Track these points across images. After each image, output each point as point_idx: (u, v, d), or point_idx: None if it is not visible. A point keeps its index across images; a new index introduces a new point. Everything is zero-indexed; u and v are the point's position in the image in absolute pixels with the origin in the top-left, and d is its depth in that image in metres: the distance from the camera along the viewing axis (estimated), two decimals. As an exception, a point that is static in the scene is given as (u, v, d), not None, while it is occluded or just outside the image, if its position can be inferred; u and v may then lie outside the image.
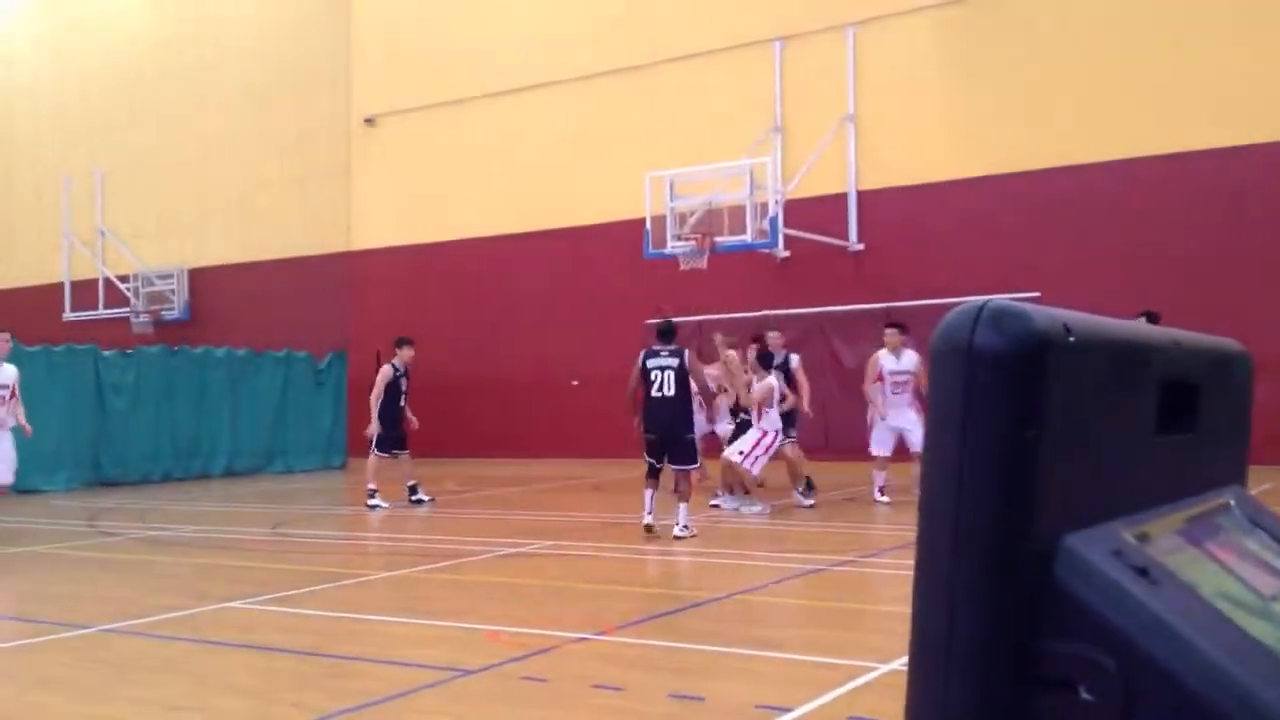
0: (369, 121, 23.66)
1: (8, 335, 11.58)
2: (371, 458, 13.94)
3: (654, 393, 10.31)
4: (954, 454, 0.84)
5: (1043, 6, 17.15)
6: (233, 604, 7.76)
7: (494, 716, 5.07)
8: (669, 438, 10.31)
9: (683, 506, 10.23)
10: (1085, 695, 0.81)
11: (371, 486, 13.80)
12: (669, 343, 10.50)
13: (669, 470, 10.47)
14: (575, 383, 18.30)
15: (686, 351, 10.49)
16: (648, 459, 10.49)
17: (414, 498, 13.92)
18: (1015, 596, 0.83)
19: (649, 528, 10.17)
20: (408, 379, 14.11)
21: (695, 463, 10.51)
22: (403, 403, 13.98)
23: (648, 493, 10.34)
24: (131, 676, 6.00)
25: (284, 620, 7.31)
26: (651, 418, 10.37)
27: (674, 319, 11.47)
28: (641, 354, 10.55)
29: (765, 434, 11.96)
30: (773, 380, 12.04)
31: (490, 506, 14.28)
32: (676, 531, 10.13)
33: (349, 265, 23.76)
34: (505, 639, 6.46)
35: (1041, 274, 16.06)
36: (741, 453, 11.94)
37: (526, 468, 18.75)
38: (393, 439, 13.87)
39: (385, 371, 13.89)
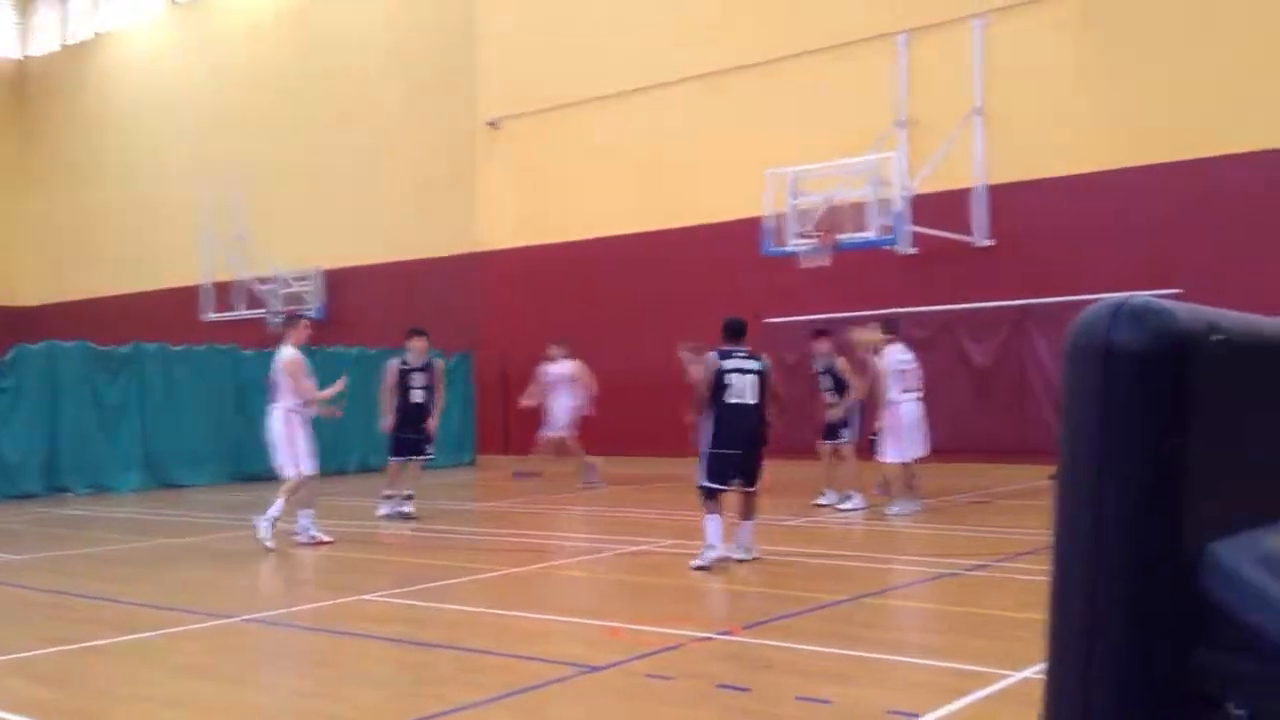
0: (492, 124, 24.05)
1: (307, 321, 11.70)
2: (390, 463, 13.22)
3: (733, 400, 8.82)
4: (1092, 459, 0.81)
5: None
6: (366, 597, 7.98)
7: (621, 713, 5.11)
8: (752, 454, 8.93)
9: (750, 525, 9.02)
10: (1235, 711, 0.78)
11: (387, 492, 13.09)
12: (741, 342, 9.10)
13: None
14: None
15: (766, 358, 9.22)
16: (717, 484, 8.86)
17: (394, 510, 12.80)
18: (1158, 606, 0.80)
19: (723, 559, 8.79)
20: (426, 374, 13.10)
21: (755, 483, 9.06)
22: (419, 400, 12.97)
23: (717, 521, 8.78)
24: (271, 665, 6.21)
25: (416, 613, 7.49)
26: (734, 430, 8.83)
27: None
28: (714, 354, 8.99)
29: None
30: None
31: (613, 504, 14.38)
32: (740, 554, 8.89)
33: (475, 266, 24.20)
34: (628, 636, 6.50)
35: (1184, 271, 15.42)
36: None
37: (648, 466, 18.82)
38: (405, 443, 12.92)
39: (391, 365, 13.06)
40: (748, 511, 9.03)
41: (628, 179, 21.70)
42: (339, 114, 26.66)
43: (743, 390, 8.82)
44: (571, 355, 17.22)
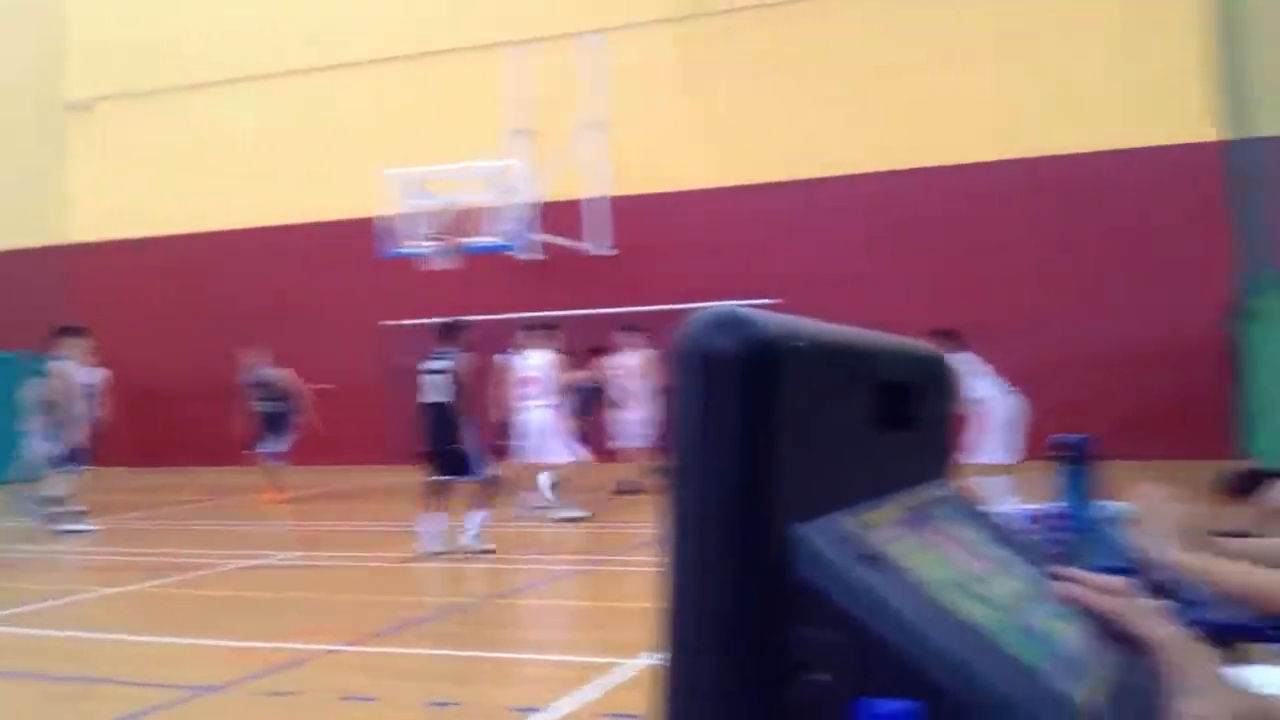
0: (82, 107, 22.20)
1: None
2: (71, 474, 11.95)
3: (420, 400, 9.55)
4: (694, 454, 0.89)
5: (774, 21, 17.92)
6: (-59, 631, 7.13)
7: (239, 734, 4.88)
8: (433, 450, 9.48)
9: (473, 516, 9.33)
10: (821, 676, 0.87)
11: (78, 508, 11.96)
12: (451, 344, 9.70)
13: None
14: (330, 386, 17.61)
15: (460, 355, 9.61)
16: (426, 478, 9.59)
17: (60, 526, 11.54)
18: (756, 586, 0.88)
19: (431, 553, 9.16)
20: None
21: (466, 473, 9.38)
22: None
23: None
24: None
25: (12, 641, 6.79)
26: (420, 427, 9.61)
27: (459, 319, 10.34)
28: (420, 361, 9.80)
29: None
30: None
31: (226, 517, 13.65)
32: (466, 540, 9.26)
33: (63, 259, 22.19)
34: (248, 654, 6.22)
35: (787, 281, 16.68)
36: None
37: (257, 476, 17.85)
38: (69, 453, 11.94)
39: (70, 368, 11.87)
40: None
41: (236, 172, 20.68)
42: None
43: (427, 390, 9.49)
44: (100, 360, 13.83)
